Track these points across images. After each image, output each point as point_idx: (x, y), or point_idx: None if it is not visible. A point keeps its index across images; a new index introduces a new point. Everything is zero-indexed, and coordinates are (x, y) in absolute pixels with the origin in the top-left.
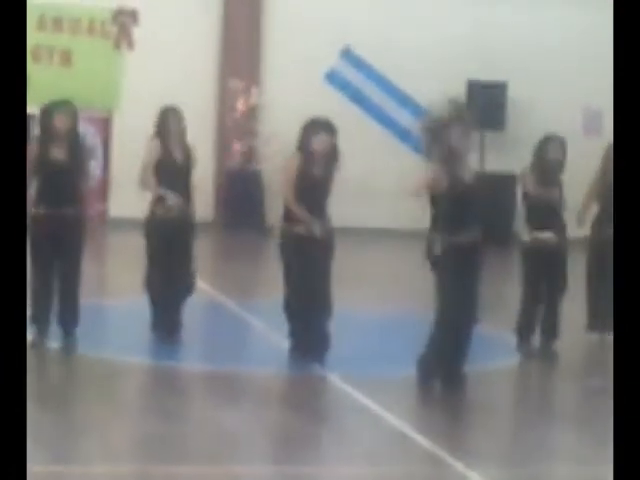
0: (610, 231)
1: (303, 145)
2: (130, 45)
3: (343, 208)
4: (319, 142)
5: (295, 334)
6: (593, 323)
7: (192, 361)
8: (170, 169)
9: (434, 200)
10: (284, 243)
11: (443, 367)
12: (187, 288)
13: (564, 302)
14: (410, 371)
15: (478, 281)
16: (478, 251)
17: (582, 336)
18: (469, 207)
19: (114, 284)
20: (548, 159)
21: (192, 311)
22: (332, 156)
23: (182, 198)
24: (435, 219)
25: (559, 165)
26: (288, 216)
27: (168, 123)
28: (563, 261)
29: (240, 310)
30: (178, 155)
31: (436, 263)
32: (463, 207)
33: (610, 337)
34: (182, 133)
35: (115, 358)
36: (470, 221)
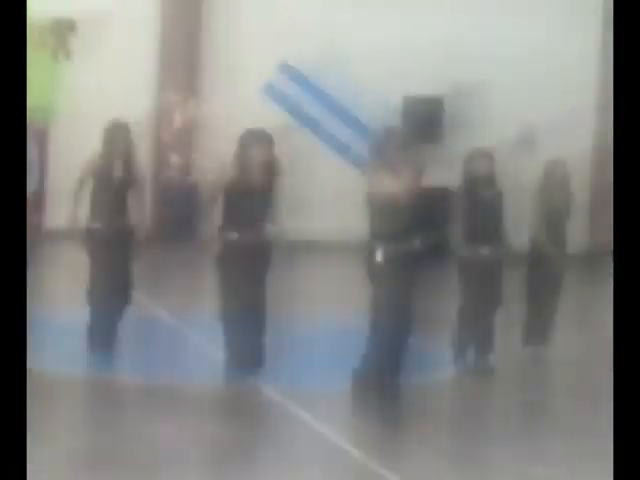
0: (547, 247)
1: (240, 155)
2: (68, 56)
3: (280, 221)
4: (256, 153)
5: (230, 346)
6: (529, 337)
7: (127, 373)
8: (107, 184)
9: (374, 211)
10: (220, 254)
11: (378, 379)
12: (124, 300)
13: (502, 315)
14: (346, 384)
15: (414, 293)
16: (415, 263)
17: (518, 350)
18: (409, 219)
19: (49, 296)
20: (477, 173)
21: (128, 323)
22: (271, 167)
23: (119, 212)
24: (375, 230)
25: (489, 179)
26: (224, 227)
27: (111, 138)
28: (499, 275)
29: (176, 322)
30: (117, 170)
31: (374, 274)
32: (403, 219)
33: (544, 351)
34: (127, 148)
35: (49, 370)
36: (410, 233)
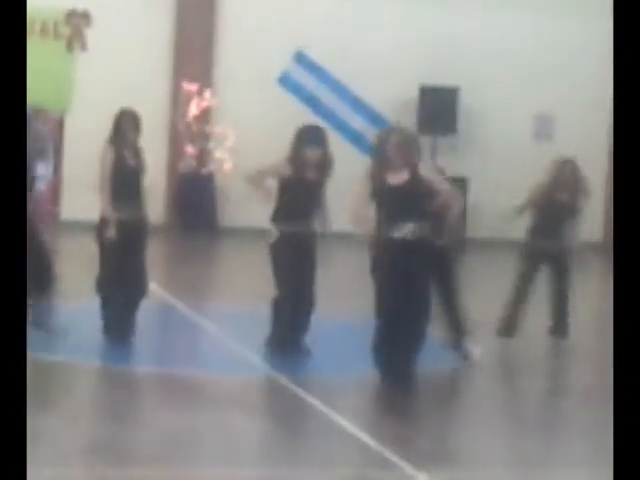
0: (541, 241)
1: (294, 153)
2: (83, 47)
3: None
4: (310, 152)
5: (276, 331)
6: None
7: (143, 364)
8: (123, 174)
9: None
10: (274, 242)
11: (394, 369)
12: (140, 291)
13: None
14: (360, 374)
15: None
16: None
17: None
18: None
19: (66, 287)
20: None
21: (144, 314)
22: (323, 163)
23: (133, 201)
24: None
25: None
26: (277, 216)
27: (122, 127)
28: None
29: (192, 313)
30: (131, 160)
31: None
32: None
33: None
34: (136, 137)
35: (67, 361)
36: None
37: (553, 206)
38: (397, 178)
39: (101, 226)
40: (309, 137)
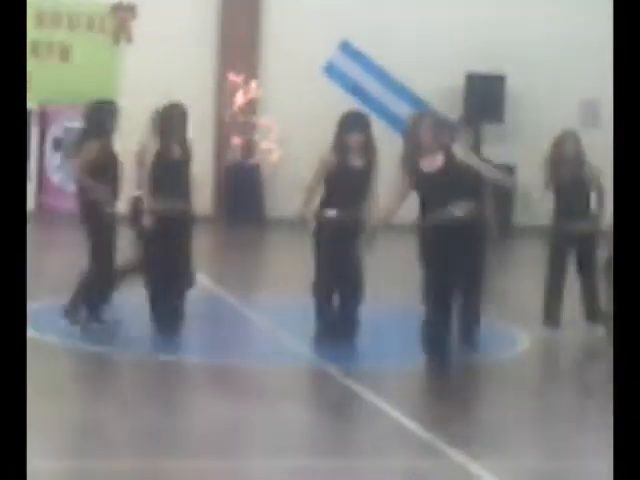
0: (564, 224)
1: (338, 140)
2: (129, 40)
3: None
4: (354, 138)
5: (323, 319)
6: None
7: (192, 355)
8: (167, 166)
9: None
10: (319, 229)
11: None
12: (186, 282)
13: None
14: (409, 362)
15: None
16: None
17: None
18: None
19: None
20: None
21: (193, 305)
22: (368, 150)
23: (180, 194)
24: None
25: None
26: (325, 204)
27: (167, 120)
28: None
29: (239, 304)
30: (176, 152)
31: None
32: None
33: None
34: (182, 129)
35: (115, 353)
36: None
37: (563, 183)
38: (431, 163)
39: (137, 216)
40: (351, 123)
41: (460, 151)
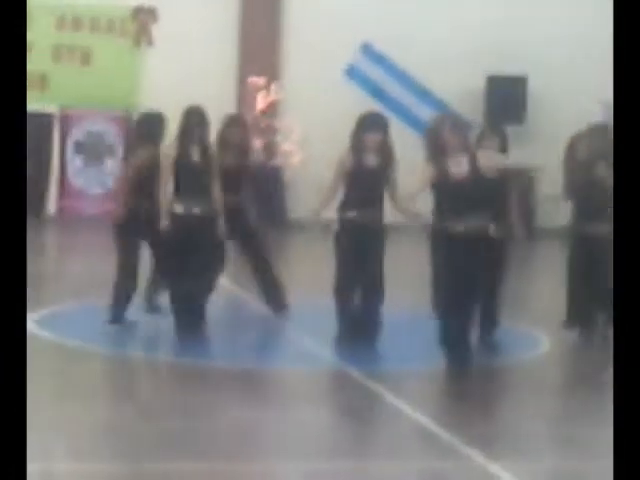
0: (584, 226)
1: (355, 139)
2: (149, 43)
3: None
4: (371, 137)
5: (342, 320)
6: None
7: (213, 358)
8: (187, 170)
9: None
10: (339, 230)
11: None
12: (209, 286)
13: None
14: (430, 364)
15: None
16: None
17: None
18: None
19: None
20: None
21: (214, 308)
22: (385, 150)
23: (201, 197)
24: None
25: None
26: (344, 204)
27: (188, 123)
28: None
29: (260, 305)
30: (195, 155)
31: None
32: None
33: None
34: (202, 132)
35: (137, 355)
36: (471, 212)
37: (593, 184)
38: (456, 168)
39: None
40: (369, 123)
41: (485, 155)
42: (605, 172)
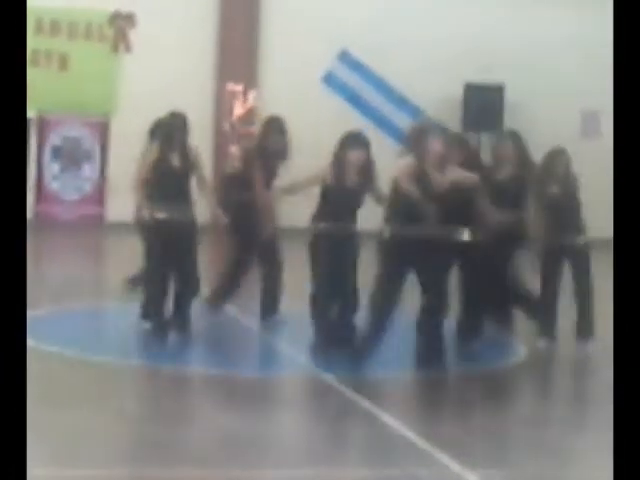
0: (556, 240)
1: (338, 157)
2: (127, 49)
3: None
4: (354, 156)
5: (321, 327)
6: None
7: (190, 364)
8: (167, 175)
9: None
10: (313, 240)
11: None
12: (192, 290)
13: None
14: (407, 371)
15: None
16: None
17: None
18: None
19: (111, 287)
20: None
21: (193, 314)
22: (365, 170)
23: (181, 202)
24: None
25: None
26: (318, 216)
27: (168, 129)
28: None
29: (239, 312)
30: (177, 161)
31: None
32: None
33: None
34: (182, 138)
35: (113, 361)
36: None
37: (548, 201)
38: (443, 179)
39: (139, 224)
40: (352, 141)
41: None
42: (556, 190)
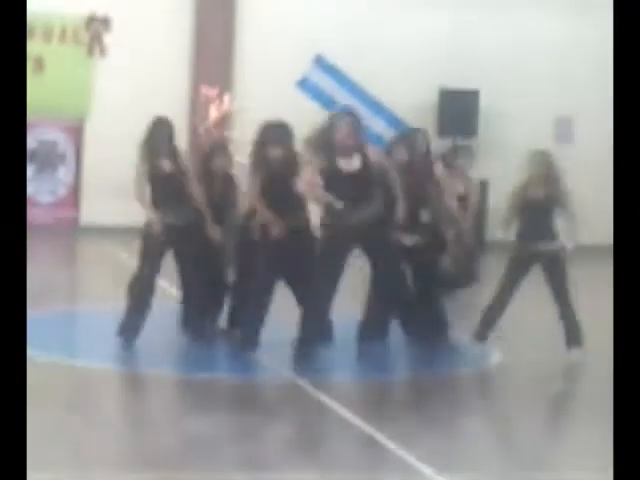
0: (531, 245)
1: (257, 150)
2: (102, 52)
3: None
4: (273, 149)
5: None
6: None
7: (161, 368)
8: (159, 181)
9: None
10: (242, 241)
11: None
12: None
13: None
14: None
15: None
16: None
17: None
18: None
19: (86, 291)
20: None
21: (160, 317)
22: (289, 163)
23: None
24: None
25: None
26: (250, 215)
27: (155, 135)
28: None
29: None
30: (167, 166)
31: None
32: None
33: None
34: (171, 144)
35: (87, 365)
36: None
37: (529, 205)
38: (349, 164)
39: (147, 229)
40: (271, 135)
41: (375, 153)
42: (560, 191)
